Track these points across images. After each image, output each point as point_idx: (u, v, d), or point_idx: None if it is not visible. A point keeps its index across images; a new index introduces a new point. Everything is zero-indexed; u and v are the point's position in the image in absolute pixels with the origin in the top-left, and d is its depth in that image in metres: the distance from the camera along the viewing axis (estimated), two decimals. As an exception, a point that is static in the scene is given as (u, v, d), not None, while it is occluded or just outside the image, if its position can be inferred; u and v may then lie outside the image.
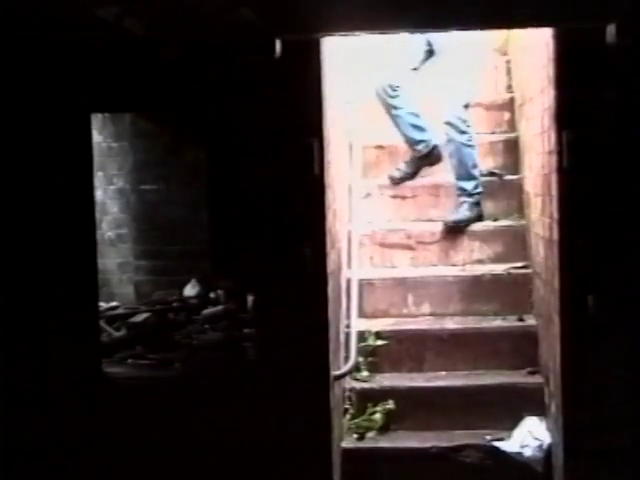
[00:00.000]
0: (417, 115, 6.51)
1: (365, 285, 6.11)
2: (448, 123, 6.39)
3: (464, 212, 6.38)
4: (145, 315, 6.00)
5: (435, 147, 6.53)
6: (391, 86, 6.45)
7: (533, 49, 5.44)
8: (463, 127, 6.41)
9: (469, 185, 6.43)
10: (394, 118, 6.51)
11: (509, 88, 7.18)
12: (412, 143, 6.55)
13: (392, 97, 6.46)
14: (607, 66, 4.38)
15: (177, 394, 4.72)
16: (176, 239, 7.03)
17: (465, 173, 6.43)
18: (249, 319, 5.57)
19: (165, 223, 7.09)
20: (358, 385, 5.62)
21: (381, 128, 6.69)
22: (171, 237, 7.05)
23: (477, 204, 6.44)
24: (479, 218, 6.43)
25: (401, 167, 6.64)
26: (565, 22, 4.31)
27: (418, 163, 6.61)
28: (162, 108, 5.13)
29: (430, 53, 6.46)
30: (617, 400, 4.46)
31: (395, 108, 6.47)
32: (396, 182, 6.63)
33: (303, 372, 4.59)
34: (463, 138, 6.41)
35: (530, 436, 5.15)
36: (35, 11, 3.81)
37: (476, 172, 6.46)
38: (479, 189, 6.46)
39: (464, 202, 6.41)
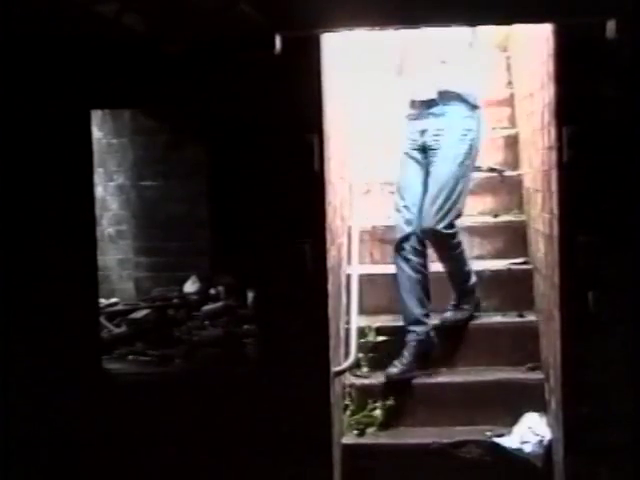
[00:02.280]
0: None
1: (365, 281, 6.10)
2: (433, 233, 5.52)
3: (457, 312, 5.74)
4: (145, 311, 6.01)
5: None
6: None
7: (533, 45, 5.43)
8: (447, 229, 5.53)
9: (460, 282, 5.79)
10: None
11: (509, 84, 7.17)
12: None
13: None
14: (607, 62, 4.38)
15: (177, 390, 4.73)
16: (176, 235, 7.02)
17: (459, 278, 5.78)
18: (249, 315, 5.58)
19: (165, 219, 7.09)
20: (358, 381, 5.62)
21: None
22: (171, 233, 7.04)
23: (472, 292, 5.80)
24: (476, 308, 5.81)
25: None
26: (565, 18, 4.31)
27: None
28: (162, 104, 5.13)
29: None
30: (617, 396, 4.47)
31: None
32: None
33: (303, 368, 4.59)
34: (452, 250, 5.63)
35: (530, 432, 5.15)
36: (35, 7, 3.80)
37: (469, 268, 5.78)
38: (473, 280, 5.80)
39: (458, 299, 5.76)
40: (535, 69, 5.37)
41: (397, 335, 5.66)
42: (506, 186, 6.60)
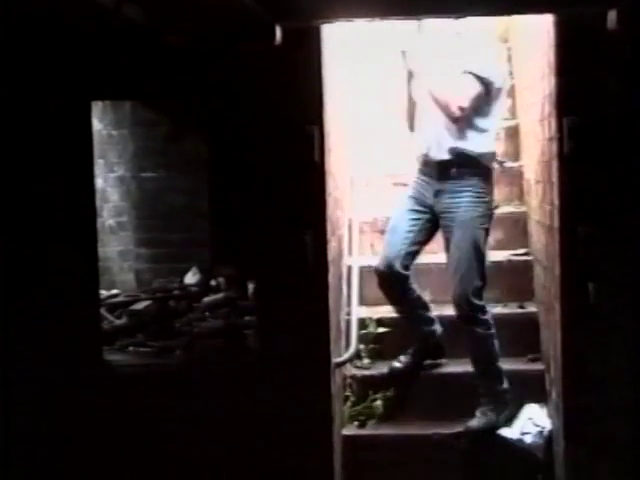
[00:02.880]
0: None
1: (366, 272, 6.10)
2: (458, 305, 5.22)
3: (482, 418, 5.20)
4: (146, 303, 6.00)
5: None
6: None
7: (534, 36, 5.43)
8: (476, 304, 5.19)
9: (489, 383, 5.25)
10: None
11: (510, 75, 7.15)
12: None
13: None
14: (608, 53, 4.37)
15: (178, 382, 4.73)
16: (177, 227, 7.02)
17: (486, 374, 5.27)
18: (250, 307, 5.57)
19: (166, 211, 7.08)
20: (359, 372, 5.62)
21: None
22: (172, 225, 7.04)
23: (504, 404, 5.23)
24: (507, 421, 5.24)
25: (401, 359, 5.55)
26: (566, 9, 4.30)
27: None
28: (162, 95, 5.13)
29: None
30: (617, 387, 4.47)
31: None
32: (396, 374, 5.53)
33: (304, 359, 4.59)
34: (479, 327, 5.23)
35: (531, 423, 5.16)
36: (35, -1, 3.80)
37: (499, 368, 5.26)
38: (505, 385, 5.25)
39: (483, 403, 5.24)
40: (536, 60, 5.37)
41: (398, 327, 5.66)
42: (506, 177, 6.59)
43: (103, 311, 5.65)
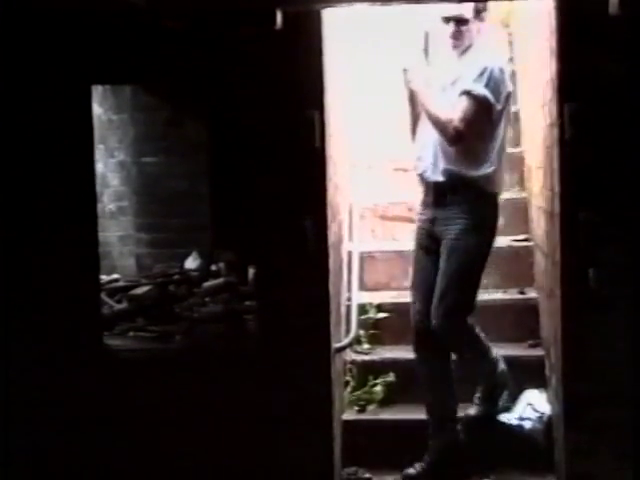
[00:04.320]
0: None
1: (366, 258, 6.12)
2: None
3: (480, 405, 5.21)
4: (146, 288, 5.99)
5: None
6: None
7: (535, 21, 5.41)
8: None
9: (482, 369, 5.20)
10: None
11: (511, 60, 7.14)
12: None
13: None
14: (609, 38, 4.36)
15: (178, 366, 4.73)
16: (177, 212, 7.01)
17: (481, 370, 5.21)
18: (250, 292, 5.57)
19: (166, 196, 7.07)
20: (359, 358, 5.63)
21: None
22: (172, 210, 7.03)
23: (501, 388, 5.22)
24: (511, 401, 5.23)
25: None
26: (567, -7, 4.29)
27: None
28: (162, 80, 5.11)
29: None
30: (617, 372, 4.47)
31: None
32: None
33: (304, 344, 4.60)
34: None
35: (531, 408, 5.16)
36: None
37: (493, 356, 5.18)
38: (501, 367, 5.20)
39: (480, 390, 5.21)
40: (537, 45, 5.35)
41: (398, 312, 5.67)
42: (507, 163, 6.56)
43: (103, 296, 5.65)
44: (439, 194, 5.06)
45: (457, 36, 5.02)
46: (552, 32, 4.59)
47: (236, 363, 4.70)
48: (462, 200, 4.99)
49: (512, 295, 5.87)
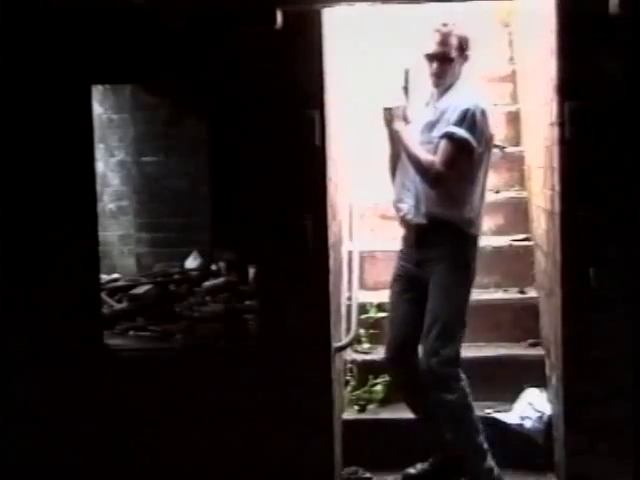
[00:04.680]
0: None
1: (366, 257, 6.11)
2: None
3: None
4: (146, 287, 6.00)
5: None
6: None
7: (535, 20, 5.41)
8: None
9: (471, 459, 4.85)
10: None
11: (511, 60, 7.15)
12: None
13: None
14: (610, 37, 4.36)
15: (178, 366, 4.74)
16: (177, 211, 7.01)
17: (460, 441, 4.87)
18: (250, 291, 5.57)
19: (166, 195, 7.08)
20: (359, 357, 5.63)
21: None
22: (172, 209, 7.03)
23: None
24: None
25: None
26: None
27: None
28: (163, 79, 5.11)
29: None
30: (618, 372, 4.48)
31: None
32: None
33: (304, 344, 4.60)
34: None
35: (531, 408, 5.17)
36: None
37: (480, 442, 4.82)
38: (488, 462, 4.80)
39: None
40: (537, 44, 5.35)
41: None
42: (507, 162, 6.58)
43: (104, 295, 5.65)
44: (421, 235, 4.90)
45: (439, 74, 4.84)
46: (552, 31, 4.59)
47: (236, 362, 4.70)
48: (445, 241, 4.82)
49: (512, 294, 5.86)
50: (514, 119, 6.77)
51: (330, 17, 4.76)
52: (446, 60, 4.81)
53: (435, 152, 4.76)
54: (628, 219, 4.43)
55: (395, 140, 4.94)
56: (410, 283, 4.98)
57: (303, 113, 4.54)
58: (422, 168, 4.77)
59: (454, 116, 4.75)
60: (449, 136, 4.73)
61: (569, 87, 4.48)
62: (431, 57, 4.83)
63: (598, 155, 4.44)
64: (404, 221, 5.00)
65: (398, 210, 5.01)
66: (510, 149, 6.64)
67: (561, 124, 4.49)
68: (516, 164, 6.56)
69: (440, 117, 4.84)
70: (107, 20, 4.50)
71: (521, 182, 6.53)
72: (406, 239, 5.06)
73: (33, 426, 4.71)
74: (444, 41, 4.77)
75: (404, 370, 5.00)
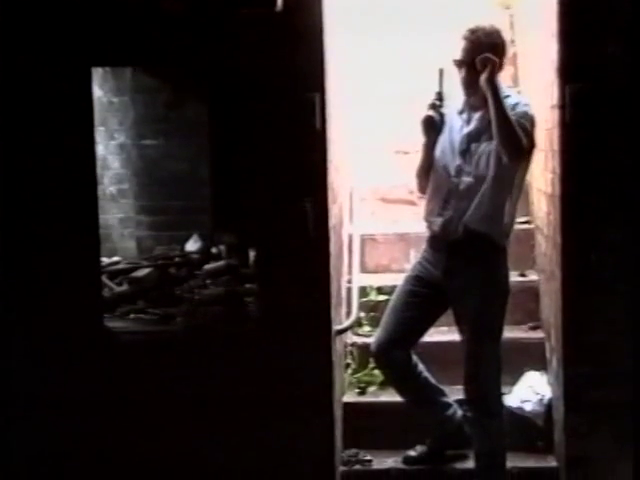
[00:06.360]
0: None
1: (367, 240, 6.11)
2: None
3: None
4: (147, 270, 6.00)
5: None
6: None
7: (537, 2, 5.39)
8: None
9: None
10: None
11: (512, 42, 7.11)
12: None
13: None
14: (611, 19, 4.35)
15: (179, 348, 4.74)
16: (178, 194, 7.02)
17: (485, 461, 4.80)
18: (251, 274, 5.58)
19: (167, 178, 7.08)
20: (360, 340, 5.63)
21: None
22: (173, 192, 7.04)
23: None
24: None
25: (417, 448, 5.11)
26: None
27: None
28: (163, 62, 5.10)
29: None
30: (618, 355, 4.48)
31: None
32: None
33: (305, 327, 4.60)
34: None
35: (531, 391, 5.17)
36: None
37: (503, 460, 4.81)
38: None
39: None
40: (538, 27, 5.33)
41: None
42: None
43: (104, 278, 5.66)
44: (455, 248, 4.69)
45: (468, 83, 4.59)
46: (554, 13, 4.57)
47: (237, 345, 4.70)
48: (480, 254, 4.67)
49: (513, 277, 5.85)
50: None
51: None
52: (472, 68, 4.54)
53: (488, 163, 4.56)
54: (629, 202, 4.43)
55: (428, 149, 4.75)
56: (427, 288, 4.81)
57: (303, 96, 4.53)
58: (515, 134, 4.41)
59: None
60: (522, 116, 4.50)
61: (570, 70, 4.47)
62: (458, 64, 4.60)
63: (599, 138, 4.43)
64: (435, 235, 4.78)
65: (433, 224, 4.77)
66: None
67: (562, 107, 4.48)
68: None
69: (487, 125, 4.55)
70: (107, 2, 4.49)
71: (522, 165, 6.51)
72: (434, 243, 4.83)
73: (33, 408, 4.72)
74: (470, 48, 4.53)
75: (390, 362, 4.93)
